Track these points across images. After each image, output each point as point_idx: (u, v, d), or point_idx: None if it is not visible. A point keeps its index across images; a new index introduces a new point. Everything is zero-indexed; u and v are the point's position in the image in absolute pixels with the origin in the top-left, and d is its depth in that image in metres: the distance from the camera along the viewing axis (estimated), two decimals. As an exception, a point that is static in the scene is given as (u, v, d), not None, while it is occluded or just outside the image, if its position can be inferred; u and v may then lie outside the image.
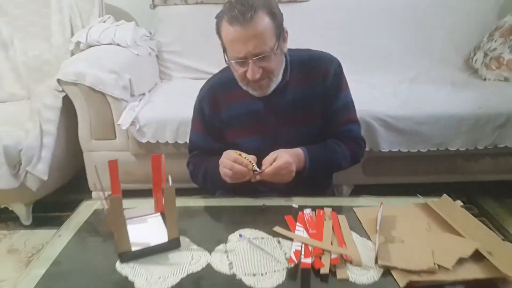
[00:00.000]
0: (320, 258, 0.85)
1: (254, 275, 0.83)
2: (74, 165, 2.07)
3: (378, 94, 1.90)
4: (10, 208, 1.94)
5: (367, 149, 1.72)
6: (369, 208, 1.05)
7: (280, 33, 1.11)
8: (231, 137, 1.26)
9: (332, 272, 0.82)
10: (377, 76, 2.15)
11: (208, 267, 0.87)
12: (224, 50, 1.13)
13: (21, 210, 1.94)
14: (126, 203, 1.12)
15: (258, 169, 1.08)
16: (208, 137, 1.29)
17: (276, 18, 1.09)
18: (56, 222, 1.89)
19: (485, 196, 2.01)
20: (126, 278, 0.85)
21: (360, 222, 1.00)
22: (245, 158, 1.08)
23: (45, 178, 1.80)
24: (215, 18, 1.11)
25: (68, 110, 1.87)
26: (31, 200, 1.94)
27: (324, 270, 0.82)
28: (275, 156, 1.10)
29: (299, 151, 1.17)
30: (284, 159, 1.08)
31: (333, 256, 0.86)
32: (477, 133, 1.73)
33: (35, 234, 1.91)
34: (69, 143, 1.95)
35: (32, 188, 1.82)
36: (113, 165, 1.00)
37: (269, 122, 1.24)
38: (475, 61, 2.23)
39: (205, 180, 1.26)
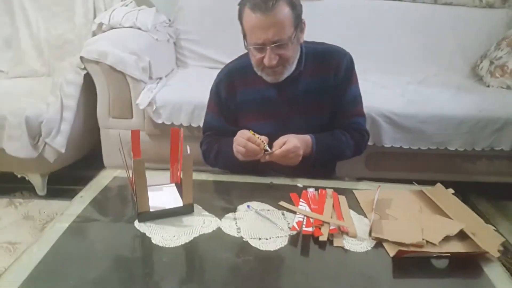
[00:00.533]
0: (320, 228, 0.95)
1: (260, 239, 0.93)
2: (90, 141, 2.16)
3: (386, 93, 1.98)
4: (27, 178, 2.04)
5: (370, 143, 1.81)
6: (368, 191, 1.14)
7: (298, 23, 1.19)
8: (244, 120, 1.34)
9: (330, 241, 0.92)
10: (387, 77, 2.24)
11: (218, 230, 0.96)
12: (244, 36, 1.20)
13: (37, 181, 2.04)
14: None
15: (269, 150, 1.17)
16: (222, 119, 1.37)
17: (296, 8, 1.17)
18: (69, 195, 1.96)
19: (479, 197, 2.10)
20: (144, 234, 0.94)
21: (359, 203, 1.09)
22: (258, 138, 1.17)
23: (63, 150, 1.89)
24: (238, 4, 1.19)
25: (88, 87, 1.96)
26: (47, 171, 2.04)
27: (323, 238, 0.91)
28: (285, 140, 1.18)
29: (307, 137, 1.25)
30: (293, 143, 1.17)
31: (332, 227, 0.95)
32: (476, 135, 1.82)
33: (50, 204, 2.01)
34: (87, 119, 2.05)
35: (50, 160, 1.91)
36: (135, 134, 1.10)
37: (281, 109, 1.32)
38: (481, 69, 2.31)
39: (217, 158, 1.34)
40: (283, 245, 0.90)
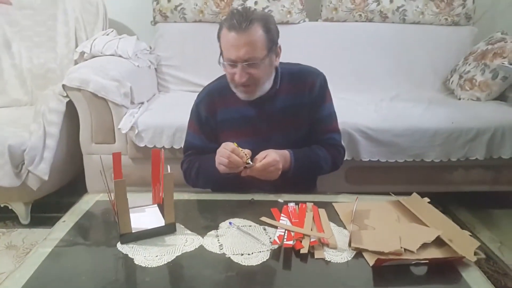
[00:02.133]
0: (301, 241, 0.94)
1: (242, 254, 0.92)
2: (73, 168, 2.13)
3: (361, 110, 2.02)
4: (10, 207, 2.00)
5: (349, 158, 1.83)
6: (347, 203, 1.15)
7: (272, 47, 1.23)
8: (225, 138, 1.34)
9: (311, 253, 0.91)
10: (361, 95, 2.27)
11: (201, 248, 0.95)
12: (221, 53, 1.24)
13: (21, 209, 1.99)
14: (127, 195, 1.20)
15: (251, 163, 1.17)
16: (203, 137, 1.38)
17: (270, 33, 1.22)
18: (53, 222, 1.87)
19: (459, 206, 2.12)
20: (126, 255, 0.93)
21: (338, 215, 1.10)
22: (241, 150, 1.17)
23: (46, 178, 1.86)
24: (219, 23, 1.24)
25: (70, 115, 1.95)
26: (30, 199, 1.99)
27: (304, 250, 0.91)
28: (265, 154, 1.19)
29: (286, 152, 1.27)
30: (272, 157, 1.18)
31: (312, 239, 0.95)
32: (450, 146, 1.85)
33: (33, 232, 1.96)
34: (70, 146, 2.03)
35: (33, 187, 1.87)
36: (116, 156, 1.09)
37: (260, 127, 1.34)
38: (451, 83, 2.38)
39: (198, 175, 1.34)
40: (265, 259, 0.90)
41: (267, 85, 1.28)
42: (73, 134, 1.99)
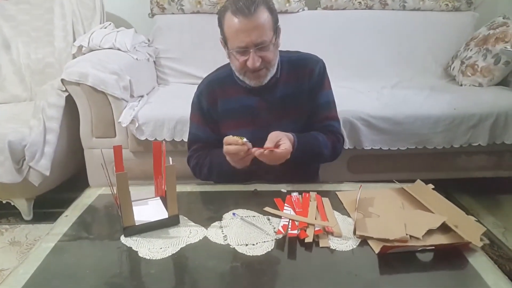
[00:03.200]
0: (305, 230, 0.94)
1: (246, 245, 0.91)
2: (74, 163, 2.13)
3: (362, 98, 2.00)
4: (12, 203, 1.99)
5: (351, 147, 1.82)
6: (350, 191, 1.14)
7: (277, 28, 1.22)
8: (226, 129, 1.34)
9: (316, 242, 0.91)
10: (362, 83, 2.26)
11: (205, 239, 0.95)
12: (225, 42, 1.22)
13: (23, 205, 1.99)
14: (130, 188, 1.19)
15: (247, 141, 1.14)
16: (208, 129, 1.37)
17: (274, 13, 1.20)
18: (56, 218, 1.89)
19: (462, 193, 2.12)
20: (130, 248, 0.92)
21: (342, 203, 1.09)
22: (234, 136, 1.15)
23: (47, 173, 1.85)
24: (217, 13, 1.22)
25: (70, 109, 1.94)
26: (32, 195, 1.99)
27: (309, 239, 0.90)
28: (278, 138, 1.16)
29: (290, 135, 1.23)
30: (287, 147, 1.14)
31: (317, 228, 0.94)
32: (452, 133, 1.84)
33: (36, 228, 1.96)
34: (71, 141, 2.02)
35: (35, 183, 1.87)
36: (117, 149, 1.08)
37: (261, 116, 1.33)
38: (453, 69, 2.36)
39: (211, 172, 1.32)
40: (270, 249, 0.89)
41: (275, 68, 1.27)
42: (73, 129, 1.98)
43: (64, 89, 1.90)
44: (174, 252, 0.90)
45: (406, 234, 0.89)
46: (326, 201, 1.09)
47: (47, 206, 2.07)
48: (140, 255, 0.89)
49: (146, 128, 1.83)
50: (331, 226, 0.94)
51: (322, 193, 1.14)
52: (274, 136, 1.16)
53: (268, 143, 1.15)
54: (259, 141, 1.20)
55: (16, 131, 1.82)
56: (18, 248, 1.80)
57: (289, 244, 0.91)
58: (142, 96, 2.05)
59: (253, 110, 1.32)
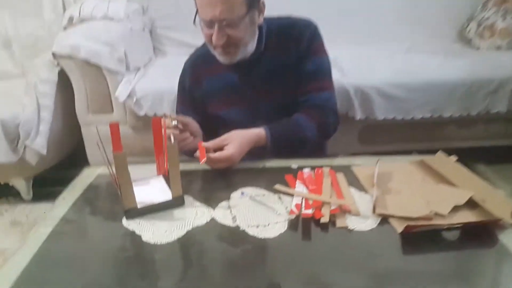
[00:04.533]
0: (320, 210, 0.89)
1: (257, 226, 0.87)
2: (72, 140, 2.08)
3: (374, 64, 1.92)
4: (11, 184, 1.96)
5: (363, 117, 1.76)
6: (367, 166, 1.09)
7: (253, 3, 1.11)
8: (212, 109, 1.29)
9: (332, 222, 0.86)
10: (372, 48, 2.18)
11: (213, 221, 0.90)
12: (197, 11, 1.13)
13: (22, 185, 1.96)
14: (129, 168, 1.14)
15: (176, 123, 1.10)
16: (189, 110, 1.30)
17: None
18: (56, 196, 1.89)
19: (478, 162, 2.06)
20: (133, 232, 0.88)
21: (358, 179, 1.04)
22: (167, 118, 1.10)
23: (44, 152, 1.81)
24: None
25: (64, 84, 1.88)
26: (30, 174, 1.96)
27: (324, 219, 0.85)
28: (225, 142, 1.10)
29: (257, 131, 1.16)
30: (228, 154, 1.07)
31: (333, 207, 0.89)
32: (470, 100, 1.77)
33: (37, 207, 1.94)
34: (67, 117, 1.97)
35: (32, 162, 1.83)
36: (114, 127, 1.02)
37: (246, 94, 1.26)
38: (469, 31, 2.26)
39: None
40: (282, 231, 0.84)
41: (250, 46, 1.18)
42: (68, 105, 1.93)
43: (56, 63, 1.83)
44: (180, 236, 0.85)
45: (430, 212, 0.84)
46: (340, 176, 1.04)
47: (47, 184, 2.04)
48: (144, 239, 0.85)
49: (145, 102, 1.77)
50: (348, 204, 0.89)
51: (336, 168, 1.08)
52: (223, 138, 1.11)
53: (212, 144, 1.09)
54: (249, 123, 1.15)
55: (9, 109, 1.77)
56: (19, 228, 1.78)
57: (303, 225, 0.86)
58: (138, 69, 1.97)
59: (238, 88, 1.26)
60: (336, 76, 1.69)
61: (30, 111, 1.77)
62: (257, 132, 1.15)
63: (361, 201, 0.93)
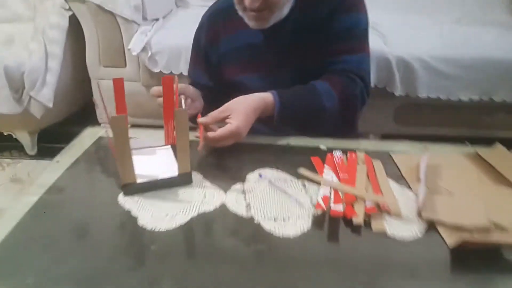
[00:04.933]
0: (353, 206, 0.74)
1: (275, 219, 0.73)
2: (81, 94, 1.97)
3: (421, 34, 1.72)
4: (14, 136, 1.87)
5: (402, 93, 1.58)
6: (409, 154, 0.93)
7: None
8: (228, 74, 1.14)
9: (367, 223, 0.71)
10: (418, 16, 1.97)
11: (223, 207, 0.77)
12: None
13: (26, 139, 1.87)
14: (132, 133, 1.02)
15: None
16: (203, 73, 1.17)
17: None
18: None
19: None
20: (128, 212, 0.75)
21: (399, 170, 0.88)
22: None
23: (50, 105, 1.70)
24: None
25: (75, 32, 1.74)
26: (35, 128, 1.86)
27: (358, 220, 0.70)
28: (226, 113, 0.92)
29: (263, 95, 0.98)
30: (232, 128, 0.90)
31: (368, 204, 0.74)
32: (528, 83, 1.57)
33: (40, 164, 1.85)
34: (77, 69, 1.85)
35: (36, 115, 1.73)
36: (118, 83, 0.88)
37: (268, 58, 1.09)
38: (531, 4, 2.01)
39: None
40: (305, 230, 0.71)
41: (286, 9, 1.01)
42: (79, 56, 1.80)
43: (68, 7, 1.68)
44: (182, 223, 0.72)
45: (490, 222, 0.68)
46: (378, 165, 0.88)
47: (53, 141, 1.94)
48: (140, 223, 0.72)
49: (160, 58, 1.62)
50: (388, 202, 0.74)
51: (372, 154, 0.92)
52: (222, 109, 0.93)
53: (210, 119, 0.92)
54: (267, 89, 0.99)
55: (14, 56, 1.65)
56: (19, 186, 1.70)
57: (331, 224, 0.72)
58: (157, 20, 1.81)
59: (260, 49, 1.09)
60: (376, 43, 1.52)
61: (37, 59, 1.65)
62: (264, 97, 0.97)
63: (402, 198, 0.78)
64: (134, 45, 1.59)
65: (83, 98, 1.99)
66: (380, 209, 0.74)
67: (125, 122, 0.73)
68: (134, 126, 0.94)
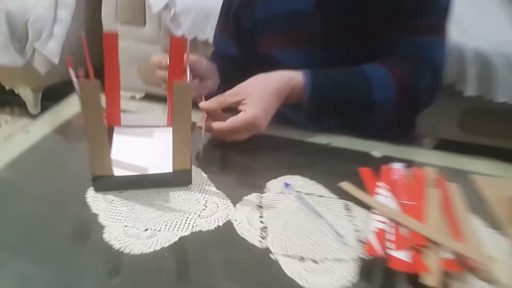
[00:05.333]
0: (421, 255, 0.50)
1: (302, 259, 0.50)
2: (94, 53, 1.78)
3: (503, 26, 1.44)
4: (17, 92, 1.71)
5: (473, 94, 1.32)
6: (498, 178, 0.67)
7: None
8: (263, 47, 0.91)
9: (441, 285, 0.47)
10: (501, 4, 1.66)
11: (228, 226, 0.54)
12: None
13: (28, 96, 1.72)
14: (132, 105, 0.82)
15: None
16: (230, 42, 0.96)
17: None
18: None
19: None
20: (95, 217, 0.54)
21: (485, 200, 0.63)
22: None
23: (56, 60, 1.54)
24: None
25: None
26: (39, 85, 1.71)
27: (431, 280, 0.46)
28: (240, 98, 0.71)
29: (291, 74, 0.75)
30: (247, 116, 0.68)
31: (445, 254, 0.50)
32: None
33: (41, 126, 1.68)
34: (89, 23, 1.69)
35: (40, 71, 1.58)
36: (110, 38, 0.69)
37: (317, 30, 0.86)
38: None
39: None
40: (346, 283, 0.47)
41: None
42: (95, 8, 1.62)
43: None
44: (166, 245, 0.50)
45: None
46: (456, 192, 0.63)
47: (59, 100, 1.77)
48: (106, 238, 0.51)
49: (185, 19, 1.42)
50: (474, 255, 0.49)
51: (445, 171, 0.67)
52: (234, 91, 0.72)
53: (216, 102, 0.71)
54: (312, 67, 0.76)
55: (18, 0, 1.47)
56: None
57: (388, 279, 0.48)
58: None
59: (306, 19, 0.86)
60: (449, 29, 1.25)
61: (44, 6, 1.48)
62: (292, 76, 0.74)
63: (493, 249, 0.53)
64: (155, 1, 1.38)
65: (96, 57, 1.80)
66: (461, 265, 0.49)
67: (97, 92, 0.51)
68: (147, 95, 0.73)
